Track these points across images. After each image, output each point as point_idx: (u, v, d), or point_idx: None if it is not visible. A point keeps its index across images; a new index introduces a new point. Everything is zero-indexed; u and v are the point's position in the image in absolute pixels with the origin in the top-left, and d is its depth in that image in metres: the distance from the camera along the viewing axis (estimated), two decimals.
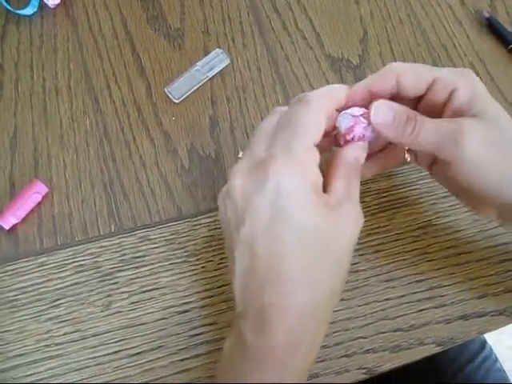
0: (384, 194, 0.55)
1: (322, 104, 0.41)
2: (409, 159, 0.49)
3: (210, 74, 0.59)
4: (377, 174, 0.50)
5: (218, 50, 0.60)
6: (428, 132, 0.42)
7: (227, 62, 0.59)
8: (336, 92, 0.44)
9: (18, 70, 0.58)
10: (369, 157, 0.46)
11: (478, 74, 0.61)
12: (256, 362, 0.37)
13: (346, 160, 0.42)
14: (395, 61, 0.61)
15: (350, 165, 0.42)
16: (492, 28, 0.64)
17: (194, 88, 0.58)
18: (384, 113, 0.43)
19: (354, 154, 0.42)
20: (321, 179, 0.40)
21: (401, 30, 0.64)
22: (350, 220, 0.40)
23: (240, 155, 0.55)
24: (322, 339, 0.40)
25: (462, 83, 0.44)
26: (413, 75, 0.45)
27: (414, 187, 0.55)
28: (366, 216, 0.52)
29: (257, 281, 0.38)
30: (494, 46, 0.64)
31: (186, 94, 0.57)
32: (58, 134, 0.55)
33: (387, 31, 0.64)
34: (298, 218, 0.38)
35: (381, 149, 0.48)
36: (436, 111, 0.45)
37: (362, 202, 0.53)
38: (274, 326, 0.37)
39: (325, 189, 0.40)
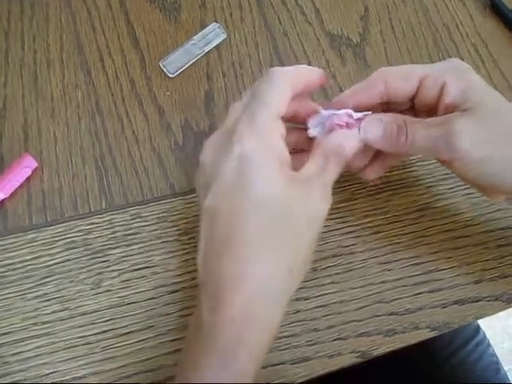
0: (382, 175, 0.54)
1: (285, 78, 0.41)
2: None
3: (207, 49, 0.57)
4: (383, 174, 0.49)
5: (214, 24, 0.58)
6: (421, 139, 0.42)
7: (224, 36, 0.58)
8: (306, 71, 0.44)
9: (9, 40, 0.56)
10: (372, 159, 0.47)
11: (480, 56, 0.60)
12: (210, 338, 0.36)
13: (327, 142, 0.42)
14: (395, 39, 0.60)
15: (330, 148, 0.42)
16: (495, 9, 0.64)
17: (190, 62, 0.56)
18: (374, 128, 0.43)
19: (338, 140, 0.42)
20: (285, 152, 0.40)
21: (402, 8, 0.62)
22: (316, 198, 0.39)
23: None
24: (277, 327, 0.39)
25: (451, 76, 0.43)
26: (399, 77, 0.44)
27: (412, 169, 0.54)
28: (363, 197, 0.53)
29: (216, 248, 0.38)
30: (497, 26, 0.63)
31: (182, 69, 0.56)
32: (48, 107, 0.53)
33: (388, 9, 0.62)
34: (258, 186, 0.37)
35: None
36: (431, 108, 0.44)
37: (359, 183, 0.53)
38: (227, 301, 0.36)
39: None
